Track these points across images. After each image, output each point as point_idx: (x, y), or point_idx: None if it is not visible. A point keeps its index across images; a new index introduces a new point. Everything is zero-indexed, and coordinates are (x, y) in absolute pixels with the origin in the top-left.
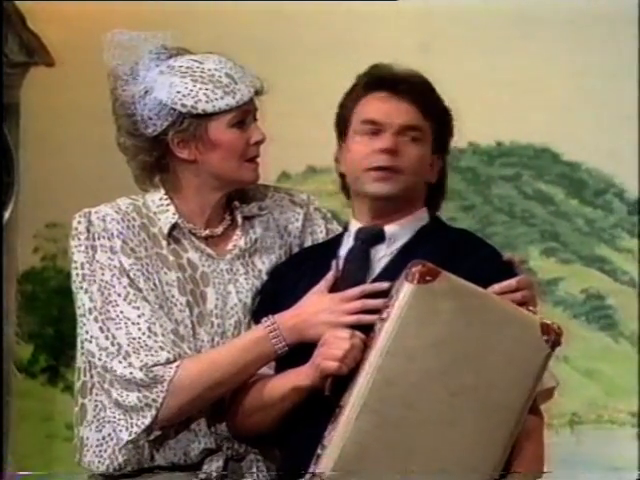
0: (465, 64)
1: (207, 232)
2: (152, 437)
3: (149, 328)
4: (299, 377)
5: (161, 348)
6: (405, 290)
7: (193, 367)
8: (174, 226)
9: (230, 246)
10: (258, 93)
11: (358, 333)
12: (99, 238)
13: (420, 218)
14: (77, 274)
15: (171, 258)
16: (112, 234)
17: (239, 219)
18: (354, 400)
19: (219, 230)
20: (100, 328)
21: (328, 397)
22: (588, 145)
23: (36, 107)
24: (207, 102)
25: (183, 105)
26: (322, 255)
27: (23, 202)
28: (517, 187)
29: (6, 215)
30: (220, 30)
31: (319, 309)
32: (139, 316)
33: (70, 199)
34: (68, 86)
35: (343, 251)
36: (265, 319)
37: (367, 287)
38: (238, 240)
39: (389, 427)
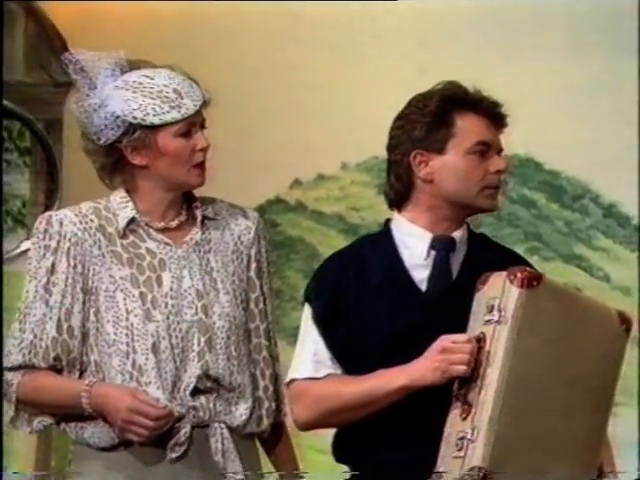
0: (454, 76)
1: (162, 224)
2: (39, 427)
3: (32, 330)
4: (412, 376)
5: (21, 350)
6: (516, 295)
7: (28, 383)
8: (133, 220)
9: (187, 238)
10: (205, 105)
11: (473, 336)
12: (52, 239)
13: (464, 226)
14: (27, 270)
15: (125, 255)
16: (64, 236)
17: (199, 216)
18: (494, 397)
19: (174, 223)
20: (14, 327)
21: (452, 396)
22: (567, 155)
23: (77, 122)
24: (155, 115)
25: (134, 117)
26: (384, 262)
27: (66, 206)
28: (504, 193)
29: None
30: (229, 41)
31: (121, 407)
32: (33, 315)
33: None
34: None
35: (412, 256)
36: (90, 380)
37: (164, 411)
38: (195, 234)
39: (525, 419)
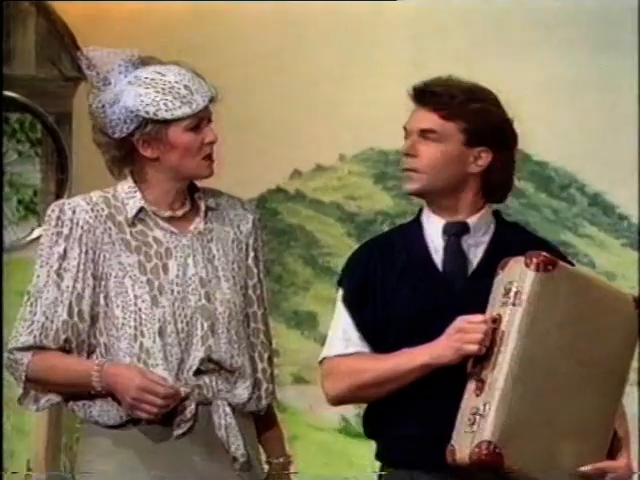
0: (447, 71)
1: (169, 213)
2: (45, 405)
3: (44, 312)
4: (432, 355)
5: (32, 332)
6: (532, 278)
7: (39, 363)
8: (141, 209)
9: (191, 227)
10: (212, 101)
11: (488, 317)
12: (64, 226)
13: (488, 212)
14: (39, 255)
15: (134, 243)
16: (77, 223)
17: (202, 207)
18: (506, 375)
19: (180, 213)
20: (24, 309)
21: (468, 373)
22: (555, 147)
23: (86, 115)
24: (167, 111)
25: (147, 112)
26: (410, 247)
27: (75, 195)
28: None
29: None
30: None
31: (131, 385)
32: (45, 298)
33: None
34: None
35: (433, 242)
36: (100, 360)
37: (172, 390)
38: (199, 223)
39: (536, 398)
